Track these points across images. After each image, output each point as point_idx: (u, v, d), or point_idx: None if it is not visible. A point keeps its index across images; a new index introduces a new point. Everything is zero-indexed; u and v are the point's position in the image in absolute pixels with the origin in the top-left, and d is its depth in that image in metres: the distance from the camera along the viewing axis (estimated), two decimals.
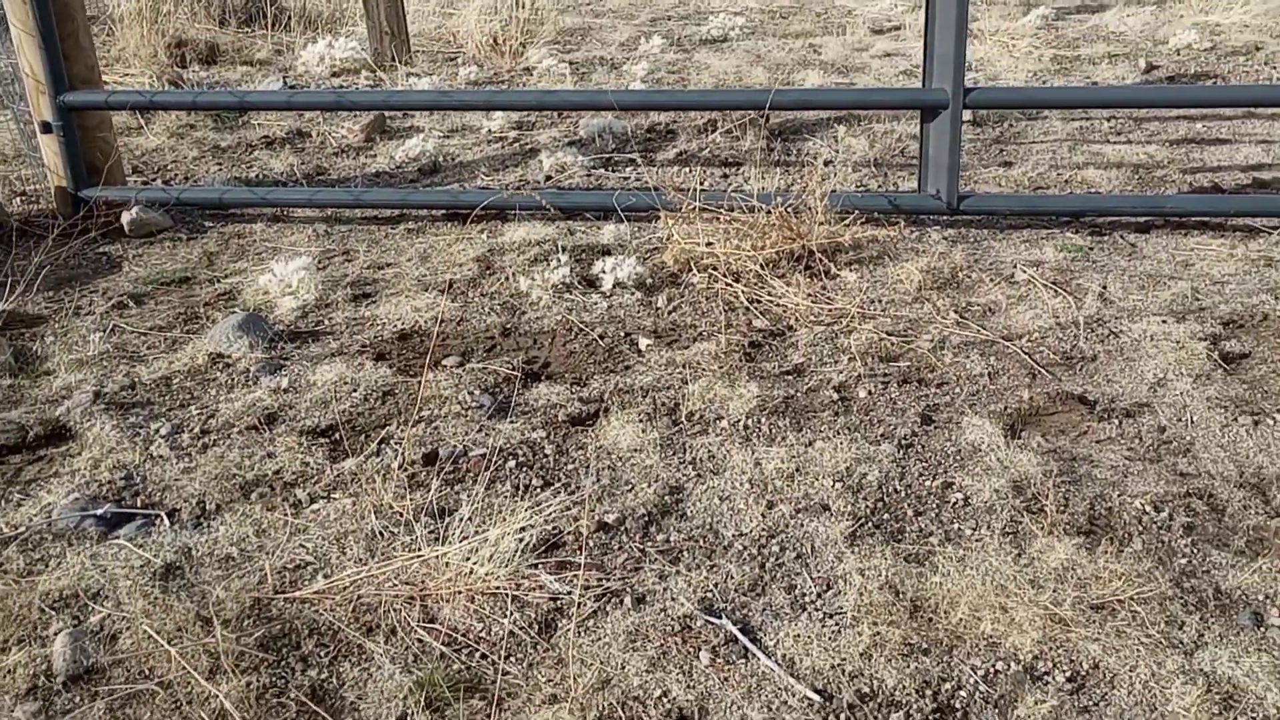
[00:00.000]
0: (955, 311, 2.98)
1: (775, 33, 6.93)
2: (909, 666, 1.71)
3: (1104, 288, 3.08)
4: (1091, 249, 3.38)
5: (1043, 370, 2.65)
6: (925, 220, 3.64)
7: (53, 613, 1.87)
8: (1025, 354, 2.73)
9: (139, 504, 2.20)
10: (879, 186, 4.09)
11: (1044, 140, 4.52)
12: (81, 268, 3.57)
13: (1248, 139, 4.40)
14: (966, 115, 4.63)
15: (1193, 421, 2.38)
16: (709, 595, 1.90)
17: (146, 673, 1.73)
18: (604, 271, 3.21)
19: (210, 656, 1.74)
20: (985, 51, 6.21)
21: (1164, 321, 2.83)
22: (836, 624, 1.81)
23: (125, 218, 3.87)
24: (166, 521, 2.13)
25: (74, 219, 3.89)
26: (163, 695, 1.68)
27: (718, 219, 3.37)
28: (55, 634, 1.81)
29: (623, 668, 1.73)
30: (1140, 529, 2.02)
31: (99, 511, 2.14)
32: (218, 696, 1.65)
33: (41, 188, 4.18)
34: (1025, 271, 3.21)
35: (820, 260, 3.26)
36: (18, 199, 4.17)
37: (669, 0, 8.17)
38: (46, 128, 3.89)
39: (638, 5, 8.00)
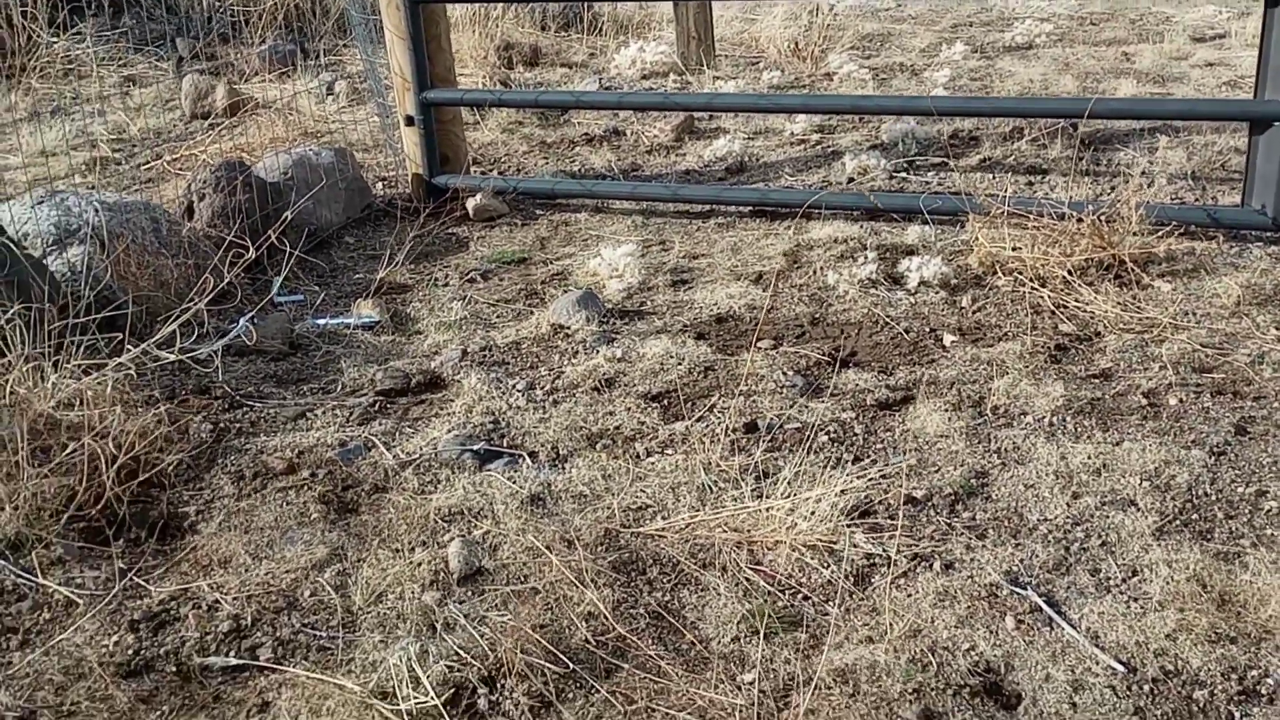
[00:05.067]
0: (1276, 328, 2.92)
1: (1085, 40, 6.76)
2: (1215, 652, 1.79)
3: None
4: None
5: None
6: (1247, 236, 3.55)
7: (445, 524, 2.26)
8: None
9: (505, 444, 2.58)
10: (1196, 200, 4.00)
11: None
12: (436, 246, 4.08)
13: None
14: None
15: None
16: (1014, 569, 2.04)
17: (525, 577, 2.07)
18: (909, 270, 3.36)
19: (574, 570, 2.07)
20: None
21: None
22: (1141, 606, 1.91)
23: (470, 203, 4.37)
24: (529, 460, 2.50)
25: (433, 202, 4.44)
26: (540, 596, 2.01)
27: (1024, 224, 3.44)
28: (449, 540, 2.19)
29: (933, 621, 1.91)
30: None
31: (474, 447, 2.54)
32: (586, 600, 1.97)
33: (399, 174, 4.78)
34: None
35: (1131, 270, 3.27)
36: (380, 183, 4.79)
37: (971, 6, 8.10)
38: (410, 121, 4.45)
39: (939, 11, 7.99)
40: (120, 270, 3.26)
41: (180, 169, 4.94)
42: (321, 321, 3.36)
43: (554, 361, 3.02)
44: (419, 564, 2.13)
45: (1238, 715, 1.68)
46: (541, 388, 2.86)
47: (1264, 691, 1.72)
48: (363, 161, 4.93)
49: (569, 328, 3.21)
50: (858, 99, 4.75)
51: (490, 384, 2.86)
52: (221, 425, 2.72)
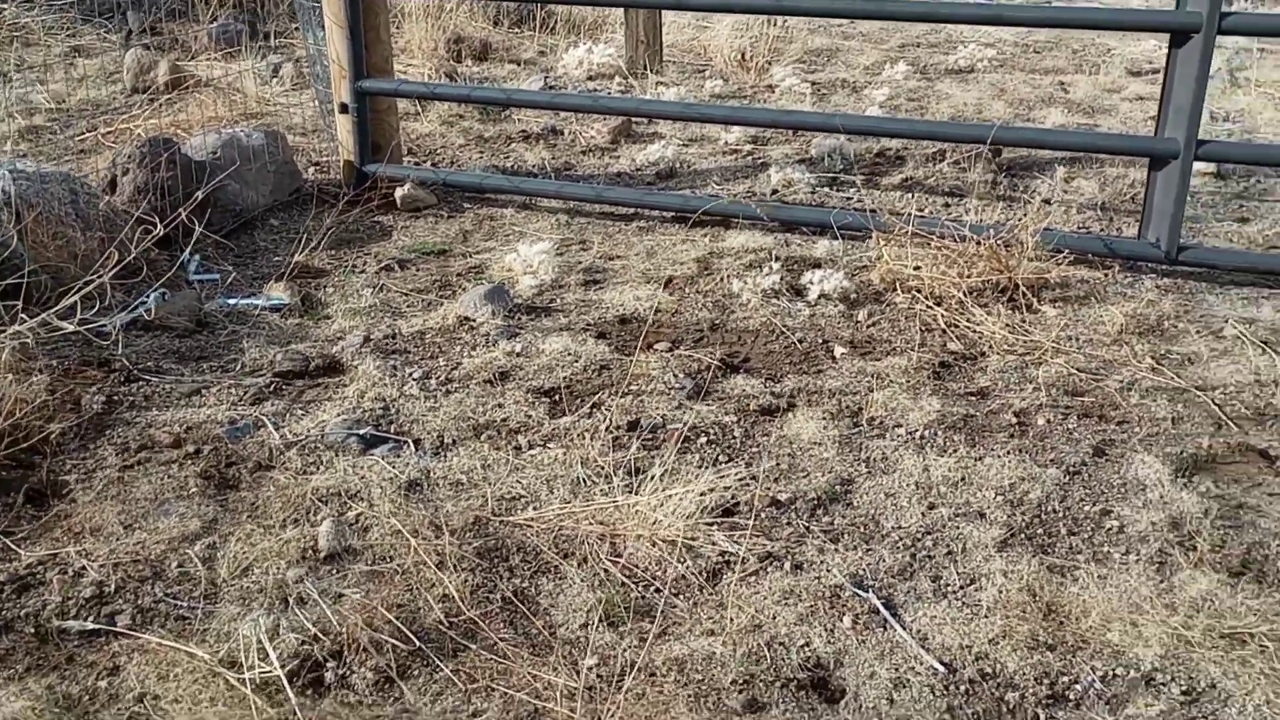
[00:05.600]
0: (1152, 358, 3.04)
1: (1025, 67, 6.92)
2: (1032, 657, 1.88)
3: None
4: None
5: (1230, 422, 2.70)
6: (1141, 267, 3.68)
7: (321, 504, 2.31)
8: (1215, 405, 2.78)
9: (391, 431, 2.63)
10: (1102, 230, 4.13)
11: None
12: (359, 233, 4.11)
13: None
14: (1203, 167, 4.58)
15: None
16: (860, 572, 2.13)
17: (389, 558, 2.13)
18: (811, 282, 3.45)
19: (438, 555, 2.12)
20: (1250, 102, 6.01)
21: None
22: (972, 612, 2.00)
23: (398, 193, 4.41)
24: (412, 447, 2.55)
25: (357, 190, 4.47)
26: (400, 577, 2.07)
27: (928, 245, 3.55)
28: (321, 520, 2.24)
29: (774, 618, 1.99)
30: None
31: (361, 432, 2.59)
32: (443, 583, 2.03)
33: (332, 160, 4.81)
34: (1236, 327, 3.22)
35: (1024, 294, 3.38)
36: (313, 168, 4.81)
37: (921, 27, 8.24)
38: (344, 108, 4.48)
39: (889, 30, 8.12)
40: (32, 240, 3.27)
41: (113, 142, 4.93)
42: (232, 301, 3.39)
43: (454, 353, 3.07)
44: (289, 541, 2.18)
45: (1043, 718, 1.78)
46: (437, 378, 2.91)
47: (1072, 697, 1.82)
48: (299, 146, 4.96)
49: (474, 320, 3.26)
50: (779, 113, 4.85)
51: (387, 371, 2.90)
52: (115, 398, 2.74)
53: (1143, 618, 1.95)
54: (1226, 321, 3.27)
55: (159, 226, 3.17)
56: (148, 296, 3.28)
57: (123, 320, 3.09)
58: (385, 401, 2.77)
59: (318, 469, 2.46)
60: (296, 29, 7.34)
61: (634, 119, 5.44)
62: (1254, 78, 6.31)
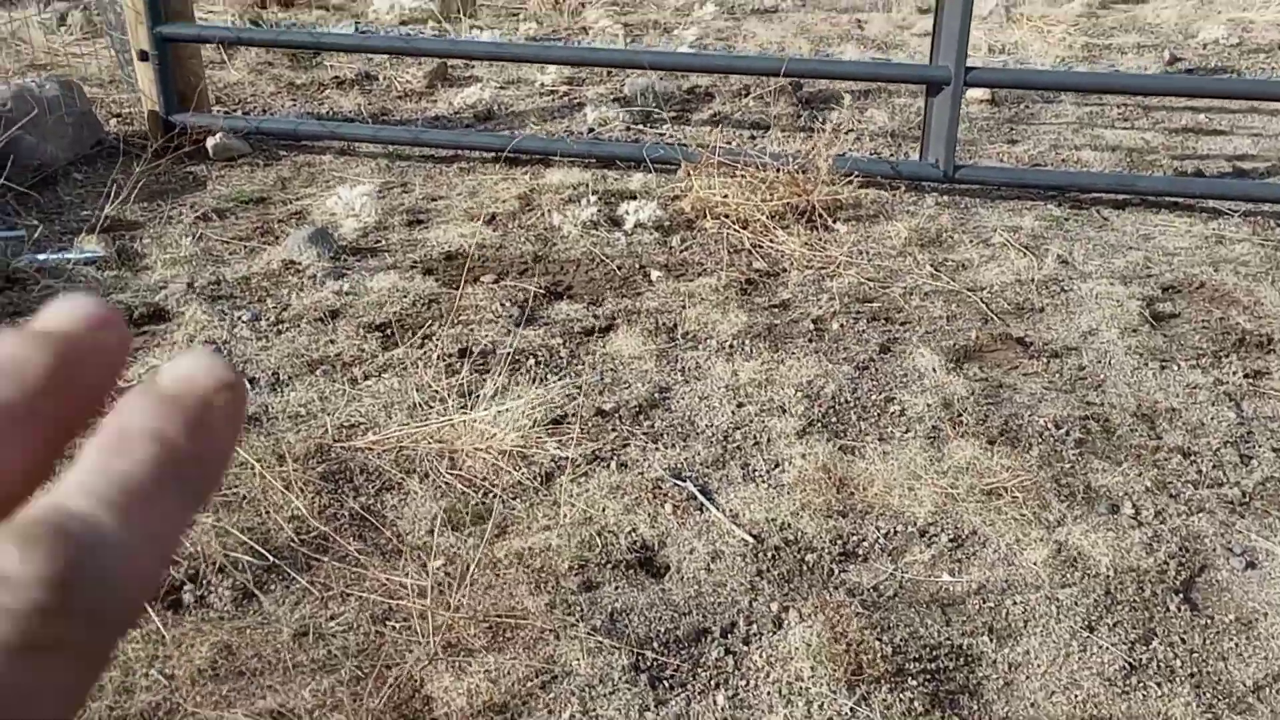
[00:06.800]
0: (932, 265, 3.39)
1: (826, 6, 7.27)
2: (827, 524, 2.16)
3: (1069, 253, 3.47)
4: (1067, 219, 3.76)
5: (994, 317, 3.06)
6: (924, 187, 4.03)
7: None
8: (983, 303, 3.14)
9: None
10: (891, 155, 4.48)
11: (1053, 122, 4.87)
12: (171, 184, 4.07)
13: (1243, 131, 4.72)
14: (979, 94, 5.00)
15: (1110, 364, 2.78)
16: (679, 465, 2.36)
17: (234, 487, 2.22)
18: (628, 213, 3.65)
19: (284, 481, 2.24)
20: (1022, 36, 6.52)
21: (1111, 283, 3.22)
22: (776, 492, 2.26)
23: (210, 142, 4.36)
24: (248, 385, 2.63)
25: (165, 140, 4.39)
26: (248, 503, 2.17)
27: (734, 174, 3.79)
28: None
29: (603, 511, 2.20)
30: (1039, 440, 2.44)
31: None
32: (291, 504, 2.15)
33: (135, 111, 4.69)
34: (1002, 235, 3.60)
35: (821, 215, 3.68)
36: (114, 120, 4.68)
37: None
38: (144, 56, 4.37)
39: None
40: None
41: None
42: (41, 257, 3.33)
43: (282, 295, 3.13)
44: None
45: (837, 571, 2.05)
46: (266, 319, 2.98)
47: (860, 553, 2.10)
48: (98, 98, 4.80)
49: (300, 263, 3.32)
50: (588, 51, 5.01)
51: (215, 315, 2.95)
52: None
53: (918, 483, 2.26)
54: (995, 231, 3.65)
55: None
56: None
57: None
58: (216, 344, 2.82)
59: None
60: None
61: (450, 62, 5.49)
62: (1026, 13, 6.85)
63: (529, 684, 1.77)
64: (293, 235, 3.43)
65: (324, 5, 6.99)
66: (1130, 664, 1.85)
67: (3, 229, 3.50)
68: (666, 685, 1.80)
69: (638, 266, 3.37)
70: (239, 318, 2.96)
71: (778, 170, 3.74)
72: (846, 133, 4.59)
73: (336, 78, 5.36)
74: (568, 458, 2.35)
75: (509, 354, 2.80)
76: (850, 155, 4.04)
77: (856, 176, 3.78)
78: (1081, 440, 2.45)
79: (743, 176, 3.78)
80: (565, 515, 2.17)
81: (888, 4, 7.41)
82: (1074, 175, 4.10)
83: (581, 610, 1.93)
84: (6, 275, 3.17)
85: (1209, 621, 1.96)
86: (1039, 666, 1.85)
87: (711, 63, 4.53)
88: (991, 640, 1.90)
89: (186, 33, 4.37)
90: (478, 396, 2.55)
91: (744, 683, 1.80)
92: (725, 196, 3.73)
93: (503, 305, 3.07)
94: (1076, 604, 1.97)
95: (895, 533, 2.14)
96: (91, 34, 5.78)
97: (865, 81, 5.05)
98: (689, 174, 3.82)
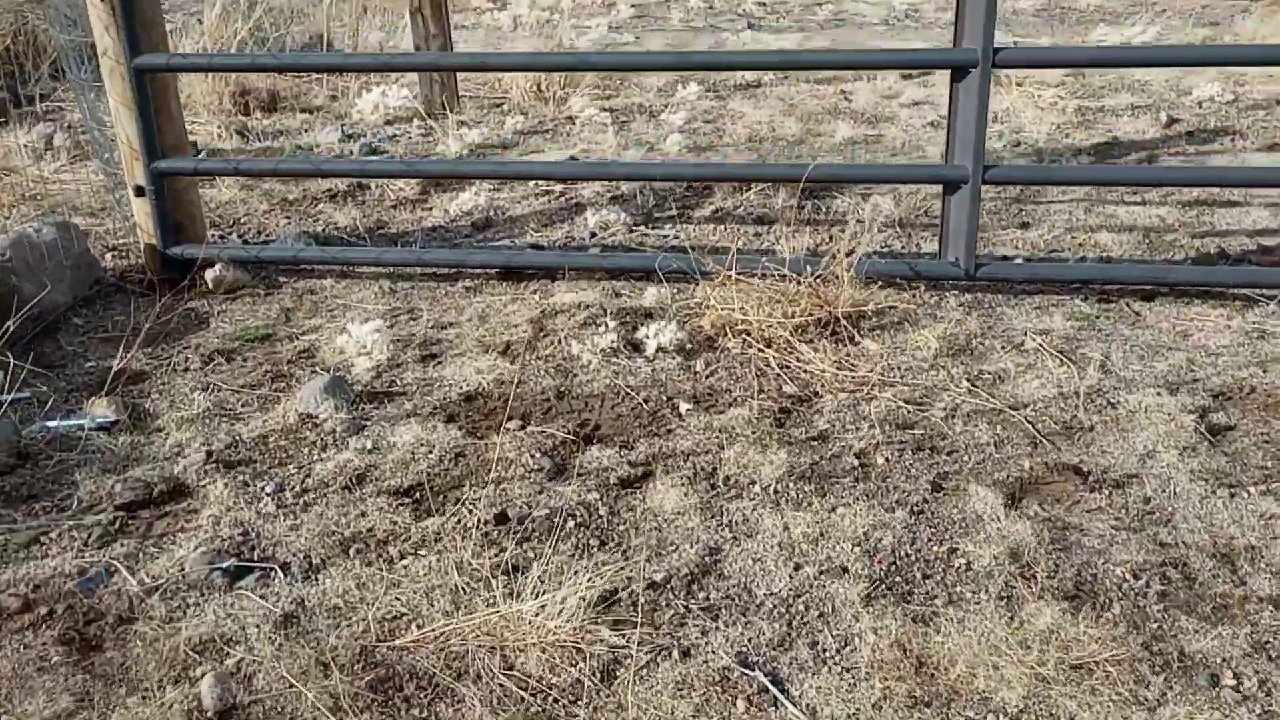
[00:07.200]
0: (968, 380, 3.29)
1: (808, 77, 7.25)
2: (913, 717, 2.03)
3: (1106, 357, 3.38)
4: (1098, 317, 3.68)
5: (1044, 439, 2.96)
6: (944, 285, 3.95)
7: (197, 657, 2.24)
8: (1029, 423, 3.04)
9: (255, 557, 2.57)
10: (903, 246, 4.41)
11: (1061, 200, 4.82)
12: (173, 324, 3.94)
13: (1258, 201, 4.68)
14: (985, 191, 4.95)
15: (1176, 493, 2.69)
16: (744, 648, 2.24)
17: (281, 708, 2.09)
18: (647, 337, 3.55)
19: (331, 697, 2.10)
20: (1012, 101, 6.50)
21: (1158, 393, 3.14)
22: (853, 677, 2.14)
23: (209, 275, 4.24)
24: (281, 575, 2.50)
25: (162, 275, 4.28)
26: None
27: (750, 284, 3.71)
28: (201, 676, 2.17)
29: (672, 713, 2.07)
30: (1120, 595, 2.33)
31: (224, 565, 2.51)
32: None
33: (130, 243, 4.57)
34: (1035, 340, 3.52)
35: (845, 327, 3.59)
36: (110, 254, 4.57)
37: (705, 41, 8.51)
38: (140, 191, 4.27)
39: (674, 46, 8.33)
40: None
41: None
42: (52, 424, 3.20)
43: (303, 457, 3.01)
44: (170, 706, 2.11)
45: None
46: (291, 489, 2.85)
47: None
48: (89, 228, 4.69)
49: (317, 417, 3.20)
50: (594, 166, 4.97)
51: (238, 489, 2.82)
52: None
53: (1001, 659, 2.14)
54: (1025, 334, 3.57)
55: None
56: None
57: None
58: (243, 525, 2.69)
59: (185, 614, 2.38)
60: (63, 90, 6.89)
61: None
62: (1014, 77, 6.83)
63: None
64: (307, 386, 3.31)
65: (307, 108, 6.92)
66: None
67: (9, 391, 3.37)
68: None
69: (665, 399, 3.27)
70: (262, 490, 2.83)
71: (797, 281, 3.65)
72: (858, 222, 4.53)
73: (329, 190, 5.27)
74: (627, 650, 2.22)
75: (549, 516, 2.67)
76: (868, 259, 3.97)
77: (877, 284, 3.70)
78: (1163, 593, 2.34)
79: (760, 288, 3.69)
80: None
81: (870, 73, 7.38)
82: (1101, 268, 4.04)
83: None
84: (18, 450, 3.04)
85: None
86: None
87: (730, 172, 4.47)
88: None
89: (184, 166, 4.28)
90: (523, 574, 2.43)
91: None
92: (744, 312, 3.64)
93: (532, 456, 2.95)
94: None
95: None
96: (78, 157, 5.68)
97: (889, 183, 5.00)
98: (706, 291, 3.73)
